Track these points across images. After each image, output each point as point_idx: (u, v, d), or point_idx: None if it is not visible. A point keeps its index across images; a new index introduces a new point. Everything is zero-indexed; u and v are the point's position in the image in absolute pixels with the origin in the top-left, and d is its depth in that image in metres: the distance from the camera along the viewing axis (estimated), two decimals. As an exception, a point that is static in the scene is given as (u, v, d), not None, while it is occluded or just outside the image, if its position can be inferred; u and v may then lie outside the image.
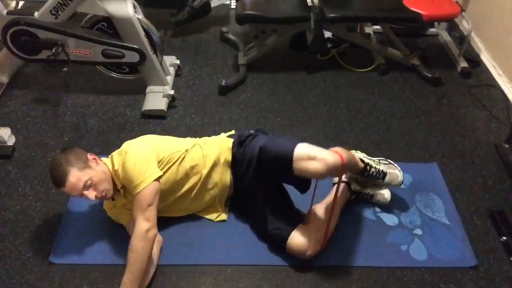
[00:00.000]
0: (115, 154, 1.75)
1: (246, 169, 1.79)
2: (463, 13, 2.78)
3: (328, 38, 2.91)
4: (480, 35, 3.09)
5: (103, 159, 1.76)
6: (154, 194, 1.62)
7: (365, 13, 2.73)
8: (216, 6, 3.25)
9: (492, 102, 2.63)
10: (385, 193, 1.95)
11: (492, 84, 2.78)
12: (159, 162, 1.70)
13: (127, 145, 1.75)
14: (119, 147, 1.77)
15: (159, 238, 1.76)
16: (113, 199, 1.78)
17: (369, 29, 3.08)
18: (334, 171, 1.60)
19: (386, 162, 1.96)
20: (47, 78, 2.71)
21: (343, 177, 1.95)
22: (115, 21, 2.33)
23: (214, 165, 1.81)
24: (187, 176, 1.78)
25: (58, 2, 2.26)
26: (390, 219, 1.94)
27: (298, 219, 1.78)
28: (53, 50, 2.33)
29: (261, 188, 1.79)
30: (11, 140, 2.24)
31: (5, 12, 2.31)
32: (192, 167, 1.78)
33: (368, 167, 1.88)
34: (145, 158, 1.65)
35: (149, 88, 2.56)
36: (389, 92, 2.70)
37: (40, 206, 1.97)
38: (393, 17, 2.79)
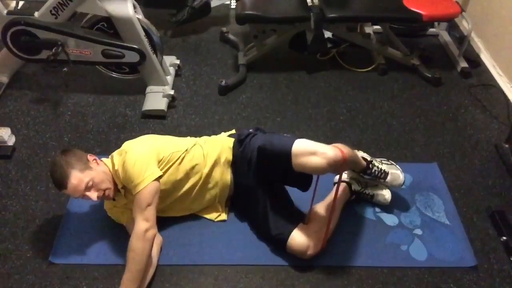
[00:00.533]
0: (115, 154, 1.75)
1: (246, 168, 1.79)
2: (463, 13, 2.78)
3: (328, 38, 2.91)
4: (480, 35, 3.09)
5: (103, 159, 1.77)
6: (153, 194, 1.62)
7: (365, 13, 2.73)
8: (216, 6, 3.26)
9: (492, 102, 2.63)
10: (386, 194, 1.95)
11: (492, 84, 2.78)
12: (159, 162, 1.70)
13: (127, 145, 1.75)
14: (119, 147, 1.77)
15: (159, 238, 1.76)
16: (113, 199, 1.78)
17: (369, 29, 3.08)
18: (335, 165, 1.57)
19: (388, 163, 1.96)
20: (47, 78, 2.71)
21: (345, 177, 1.95)
22: (115, 21, 2.33)
23: (215, 165, 1.82)
24: (187, 175, 1.78)
25: (58, 2, 2.26)
26: (390, 219, 1.94)
27: (298, 219, 1.78)
28: (53, 50, 2.33)
29: (261, 188, 1.79)
30: (11, 140, 2.24)
31: (5, 12, 2.31)
32: (192, 167, 1.78)
33: (371, 165, 1.88)
34: (145, 158, 1.65)
35: (149, 88, 2.56)
36: (389, 92, 2.70)
37: (40, 206, 1.97)
38: (393, 17, 2.79)
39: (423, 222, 1.93)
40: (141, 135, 1.86)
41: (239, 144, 1.83)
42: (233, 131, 1.95)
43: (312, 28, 2.68)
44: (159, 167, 1.68)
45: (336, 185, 1.87)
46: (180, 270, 1.74)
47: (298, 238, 1.71)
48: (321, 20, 2.64)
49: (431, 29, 3.22)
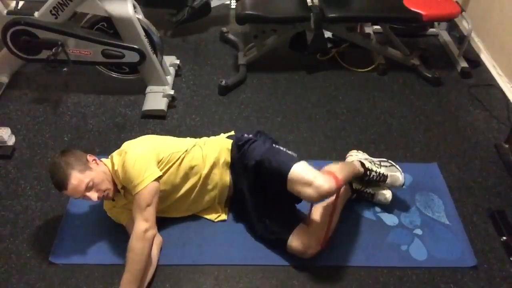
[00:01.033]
0: (115, 154, 1.75)
1: (242, 175, 1.80)
2: (463, 13, 2.78)
3: (328, 38, 2.91)
4: (480, 35, 3.09)
5: (103, 159, 1.77)
6: (153, 194, 1.62)
7: (365, 13, 2.73)
8: (216, 6, 3.25)
9: (492, 102, 2.63)
10: (386, 193, 1.94)
11: (492, 84, 2.78)
12: (158, 162, 1.70)
13: (127, 145, 1.75)
14: (119, 147, 1.77)
15: (158, 238, 1.76)
16: (113, 199, 1.78)
17: (369, 29, 3.07)
18: (327, 197, 1.62)
19: (388, 164, 1.95)
20: (47, 78, 2.71)
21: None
22: (115, 21, 2.33)
23: (214, 166, 1.81)
24: (186, 176, 1.78)
25: (58, 2, 2.26)
26: (390, 219, 1.94)
27: (298, 218, 1.79)
28: (53, 50, 2.33)
29: (259, 191, 1.79)
30: (11, 140, 2.24)
31: (5, 12, 2.31)
32: (192, 168, 1.78)
33: (368, 172, 1.88)
34: (145, 158, 1.65)
35: (149, 88, 2.56)
36: (389, 92, 2.70)
37: (40, 206, 1.97)
38: (393, 17, 2.79)
39: (423, 222, 1.93)
40: (141, 135, 1.86)
41: (238, 149, 1.82)
42: (232, 133, 1.94)
43: (312, 28, 2.68)
44: (158, 168, 1.68)
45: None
46: (180, 270, 1.74)
47: (298, 238, 1.71)
48: (321, 20, 2.64)
49: (431, 29, 3.22)
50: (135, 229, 1.58)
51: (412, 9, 2.60)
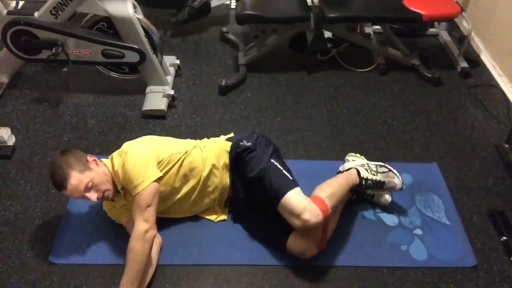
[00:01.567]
0: (115, 154, 1.75)
1: (239, 182, 1.82)
2: (463, 13, 2.78)
3: (328, 38, 2.91)
4: (480, 35, 3.09)
5: (103, 160, 1.76)
6: (153, 195, 1.62)
7: (365, 13, 2.73)
8: (216, 6, 3.25)
9: (492, 102, 2.63)
10: (386, 194, 1.94)
11: (492, 84, 2.78)
12: (158, 163, 1.70)
13: (127, 145, 1.75)
14: (119, 147, 1.77)
15: (158, 238, 1.76)
16: (112, 200, 1.78)
17: (369, 29, 3.07)
18: (310, 229, 1.64)
19: (386, 170, 1.92)
20: (47, 78, 2.71)
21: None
22: (115, 21, 2.33)
23: (213, 168, 1.81)
24: (186, 178, 1.78)
25: (58, 2, 2.26)
26: (390, 219, 1.94)
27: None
28: (53, 50, 2.33)
29: (256, 193, 1.79)
30: (11, 140, 2.24)
31: (5, 12, 2.31)
32: (192, 169, 1.78)
33: (364, 181, 1.87)
34: (145, 159, 1.65)
35: (149, 88, 2.56)
36: (389, 92, 2.70)
37: (40, 206, 1.97)
38: (393, 17, 2.79)
39: (423, 222, 1.93)
40: (141, 135, 1.86)
41: (236, 155, 1.81)
42: (232, 135, 1.94)
43: (312, 28, 2.68)
44: (158, 168, 1.68)
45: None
46: (180, 270, 1.74)
47: (298, 238, 1.71)
48: (321, 20, 2.64)
49: (431, 29, 3.22)
50: (135, 229, 1.58)
51: (412, 9, 2.60)
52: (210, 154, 1.82)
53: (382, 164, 1.95)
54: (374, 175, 1.90)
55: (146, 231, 1.58)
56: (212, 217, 1.90)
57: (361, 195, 1.96)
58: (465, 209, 2.00)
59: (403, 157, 2.25)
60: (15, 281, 1.69)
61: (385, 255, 1.80)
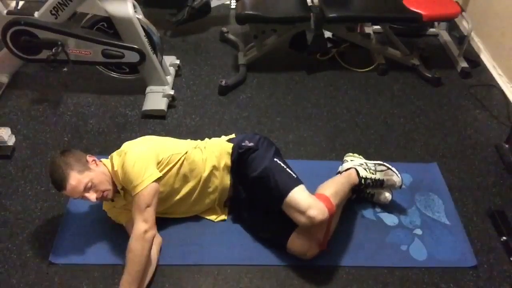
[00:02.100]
0: (114, 154, 1.75)
1: (241, 182, 1.82)
2: (463, 13, 2.78)
3: (328, 38, 2.91)
4: (480, 35, 3.09)
5: (103, 160, 1.76)
6: (152, 195, 1.62)
7: (365, 13, 2.72)
8: (216, 6, 3.25)
9: (492, 102, 2.63)
10: (386, 193, 1.94)
11: (492, 84, 2.78)
12: (158, 164, 1.70)
13: (127, 145, 1.75)
14: (119, 147, 1.77)
15: (158, 238, 1.76)
16: (112, 200, 1.78)
17: (369, 29, 3.07)
18: (317, 226, 1.63)
19: (384, 168, 1.93)
20: (47, 78, 2.71)
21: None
22: (115, 21, 2.33)
23: (214, 169, 1.81)
24: (186, 178, 1.78)
25: (58, 2, 2.26)
26: (390, 219, 1.94)
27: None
28: (53, 50, 2.33)
29: (259, 192, 1.79)
30: (11, 140, 2.24)
31: (5, 12, 2.31)
32: (192, 170, 1.78)
33: (363, 180, 1.88)
34: (145, 159, 1.65)
35: (149, 88, 2.56)
36: (389, 92, 2.70)
37: (40, 206, 1.97)
38: (393, 17, 2.79)
39: (423, 222, 1.93)
40: (141, 135, 1.86)
41: (238, 156, 1.81)
42: (233, 135, 1.93)
43: (312, 28, 2.68)
44: (158, 169, 1.68)
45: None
46: (180, 270, 1.74)
47: (298, 238, 1.71)
48: (321, 20, 2.64)
49: (431, 29, 3.22)
50: (135, 230, 1.58)
51: (412, 9, 2.60)
52: (210, 155, 1.82)
53: (381, 162, 1.95)
54: (373, 173, 1.90)
55: (145, 231, 1.58)
56: (212, 217, 1.90)
57: (361, 194, 1.96)
58: (465, 209, 2.00)
59: (403, 157, 2.25)
60: (15, 281, 1.69)
61: (385, 255, 1.80)
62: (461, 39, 2.99)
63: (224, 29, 3.12)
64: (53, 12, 2.29)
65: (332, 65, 2.90)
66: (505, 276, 1.75)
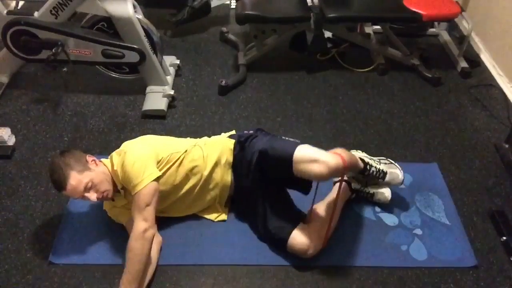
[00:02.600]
0: (114, 154, 1.75)
1: (246, 171, 1.79)
2: (463, 13, 2.78)
3: (328, 38, 2.91)
4: (480, 35, 3.09)
5: (103, 159, 1.76)
6: (152, 194, 1.62)
7: (365, 13, 2.72)
8: (216, 6, 3.26)
9: (492, 102, 2.63)
10: (386, 192, 1.94)
11: (492, 84, 2.78)
12: (158, 163, 1.70)
13: (126, 145, 1.75)
14: (119, 147, 1.77)
15: (158, 238, 1.76)
16: (112, 199, 1.78)
17: (369, 29, 3.08)
18: (335, 174, 1.60)
19: (387, 162, 1.96)
20: (47, 78, 2.71)
21: (344, 176, 1.95)
22: (115, 21, 2.33)
23: (215, 166, 1.81)
24: (187, 177, 1.78)
25: (58, 2, 2.26)
26: (390, 219, 1.94)
27: (299, 218, 1.78)
28: (53, 50, 2.33)
29: (261, 189, 1.79)
30: (11, 140, 2.24)
31: (5, 12, 2.31)
32: (192, 168, 1.78)
33: (368, 166, 1.88)
34: (144, 158, 1.65)
35: (149, 88, 2.56)
36: (389, 92, 2.70)
37: (40, 206, 1.97)
38: (393, 17, 2.79)
39: (423, 222, 1.93)
40: (141, 135, 1.86)
41: (240, 146, 1.82)
42: (233, 132, 1.95)
43: (312, 28, 2.68)
44: (158, 168, 1.68)
45: (337, 183, 1.88)
46: (180, 270, 1.74)
47: (299, 237, 1.71)
48: (321, 20, 2.64)
49: (431, 29, 3.22)
50: (134, 229, 1.58)
51: (412, 9, 2.60)
52: (211, 151, 1.82)
53: (383, 158, 1.98)
54: (377, 164, 1.92)
55: (145, 230, 1.58)
56: (212, 217, 1.90)
57: (360, 194, 1.96)
58: (465, 209, 2.00)
59: (403, 157, 2.25)
60: (15, 281, 1.69)
61: (385, 255, 1.80)
62: (461, 39, 2.99)
63: (224, 29, 3.12)
64: (53, 12, 2.29)
65: (332, 65, 2.90)
66: (505, 276, 1.75)
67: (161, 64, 2.56)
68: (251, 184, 1.79)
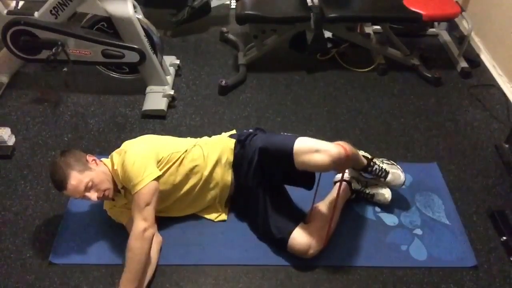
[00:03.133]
0: (114, 153, 1.75)
1: (247, 169, 1.78)
2: (463, 13, 2.78)
3: (328, 38, 2.91)
4: (480, 35, 3.09)
5: (103, 159, 1.77)
6: (152, 193, 1.62)
7: (365, 13, 2.73)
8: (216, 6, 3.25)
9: (492, 102, 2.63)
10: (386, 193, 1.94)
11: (492, 84, 2.78)
12: (158, 162, 1.70)
13: (127, 144, 1.75)
14: (119, 147, 1.77)
15: (158, 237, 1.76)
16: (113, 199, 1.78)
17: (369, 29, 3.08)
18: (338, 162, 1.56)
19: (389, 163, 1.96)
20: (47, 78, 2.71)
21: (345, 176, 1.95)
22: (115, 21, 2.33)
23: (215, 166, 1.81)
24: (187, 176, 1.78)
25: (58, 2, 2.26)
26: (390, 219, 1.94)
27: (299, 218, 1.78)
28: (53, 50, 2.33)
29: (261, 189, 1.79)
30: (11, 140, 2.24)
31: (5, 12, 2.31)
32: (192, 168, 1.78)
33: (372, 163, 1.88)
34: (144, 158, 1.65)
35: (149, 88, 2.56)
36: (389, 92, 2.70)
37: (40, 206, 1.97)
38: (393, 17, 2.78)
39: (423, 222, 1.93)
40: (141, 135, 1.86)
41: (240, 144, 1.83)
42: (234, 132, 1.95)
43: (312, 28, 2.68)
44: (158, 167, 1.68)
45: (337, 183, 1.87)
46: (180, 270, 1.74)
47: (299, 237, 1.71)
48: (321, 20, 2.64)
49: (431, 29, 3.22)
50: (134, 228, 1.58)
51: (412, 9, 2.60)
52: (212, 151, 1.82)
53: (385, 159, 1.99)
54: (380, 163, 1.92)
55: (145, 230, 1.58)
56: (212, 216, 1.90)
57: (360, 195, 1.96)
58: (465, 209, 2.00)
59: (403, 157, 2.25)
60: (15, 281, 1.69)
61: (385, 255, 1.80)
62: (461, 39, 2.99)
63: (224, 29, 3.12)
64: (53, 12, 2.29)
65: (332, 65, 2.90)
66: (505, 276, 1.75)
67: (161, 64, 2.56)
68: (252, 184, 1.79)
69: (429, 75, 2.76)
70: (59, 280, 1.70)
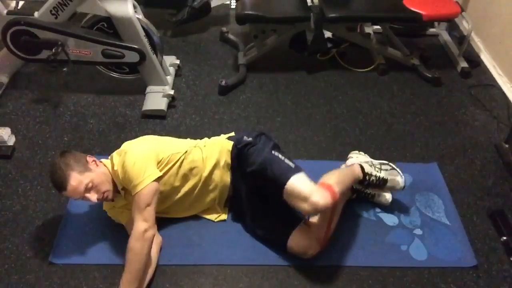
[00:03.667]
0: (114, 154, 1.75)
1: (241, 178, 1.81)
2: (463, 13, 2.78)
3: (328, 38, 2.91)
4: (480, 35, 3.09)
5: (103, 160, 1.76)
6: (152, 194, 1.62)
7: (365, 13, 2.73)
8: (216, 6, 3.25)
9: (492, 102, 2.63)
10: (386, 195, 1.94)
11: (492, 84, 2.78)
12: (158, 163, 1.70)
13: (127, 145, 1.75)
14: (119, 147, 1.77)
15: (158, 238, 1.76)
16: (112, 200, 1.78)
17: (369, 29, 3.07)
18: (323, 212, 1.63)
19: (389, 168, 1.93)
20: (47, 78, 2.71)
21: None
22: (115, 21, 2.33)
23: (214, 167, 1.81)
24: (186, 177, 1.78)
25: (58, 2, 2.26)
26: (390, 219, 1.94)
27: (298, 218, 1.78)
28: (53, 50, 2.33)
29: (259, 191, 1.79)
30: (11, 140, 2.24)
31: (5, 12, 2.31)
32: (192, 169, 1.78)
33: (367, 176, 1.87)
34: (145, 159, 1.65)
35: (149, 88, 2.56)
36: (389, 92, 2.70)
37: (40, 206, 1.97)
38: (393, 17, 2.79)
39: (423, 222, 1.93)
40: (141, 135, 1.86)
41: (237, 151, 1.82)
42: (232, 134, 1.94)
43: (312, 28, 2.68)
44: (158, 168, 1.68)
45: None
46: (180, 270, 1.74)
47: (298, 237, 1.71)
48: (321, 20, 2.64)
49: (431, 29, 3.22)
50: (134, 229, 1.58)
51: (412, 9, 2.60)
52: (211, 153, 1.82)
53: (386, 162, 1.95)
54: (378, 171, 1.90)
55: (145, 231, 1.58)
56: (212, 217, 1.90)
57: (361, 195, 1.96)
58: (465, 209, 2.00)
59: (403, 157, 2.25)
60: (15, 281, 1.69)
61: (385, 255, 1.80)
62: (461, 39, 2.99)
63: (224, 29, 3.12)
64: (53, 12, 2.29)
65: (332, 65, 2.90)
66: (505, 276, 1.75)
67: (161, 64, 2.56)
68: (246, 190, 1.81)
69: (429, 75, 2.76)
70: (59, 280, 1.70)
